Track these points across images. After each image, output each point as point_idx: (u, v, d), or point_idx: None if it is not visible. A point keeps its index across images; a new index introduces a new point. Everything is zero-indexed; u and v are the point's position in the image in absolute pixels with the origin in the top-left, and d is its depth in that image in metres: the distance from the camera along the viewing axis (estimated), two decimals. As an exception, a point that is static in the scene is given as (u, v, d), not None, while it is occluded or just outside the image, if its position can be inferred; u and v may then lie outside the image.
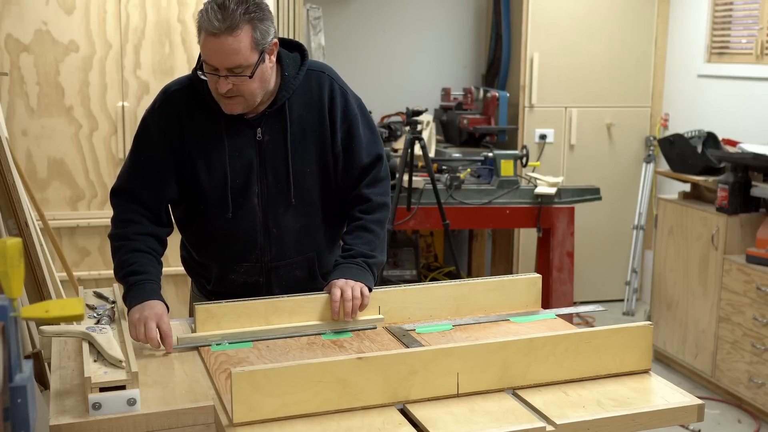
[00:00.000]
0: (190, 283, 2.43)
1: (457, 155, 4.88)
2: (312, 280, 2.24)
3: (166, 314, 1.93)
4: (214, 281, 2.22)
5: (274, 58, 2.05)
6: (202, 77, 2.01)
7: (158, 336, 1.86)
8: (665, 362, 4.63)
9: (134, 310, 1.92)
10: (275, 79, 2.09)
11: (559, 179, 4.56)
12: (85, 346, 1.71)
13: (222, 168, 2.08)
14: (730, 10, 4.82)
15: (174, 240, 2.26)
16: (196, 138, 2.08)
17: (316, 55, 4.76)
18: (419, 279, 5.19)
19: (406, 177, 4.21)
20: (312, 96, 2.13)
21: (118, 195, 2.13)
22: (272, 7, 4.23)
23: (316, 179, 2.15)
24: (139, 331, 1.86)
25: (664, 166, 4.90)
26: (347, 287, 2.03)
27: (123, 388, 1.55)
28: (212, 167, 2.09)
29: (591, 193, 4.58)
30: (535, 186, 4.50)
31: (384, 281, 4.80)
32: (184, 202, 2.16)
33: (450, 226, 4.22)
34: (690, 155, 4.43)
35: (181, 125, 2.09)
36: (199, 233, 2.20)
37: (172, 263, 4.14)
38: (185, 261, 2.33)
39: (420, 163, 4.43)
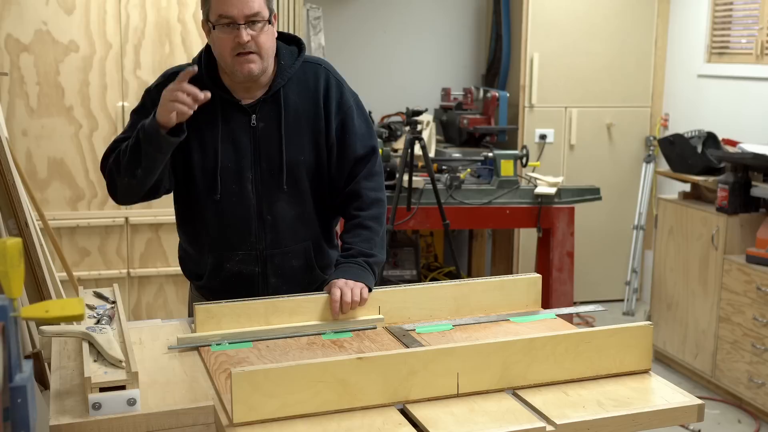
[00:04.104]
0: (189, 284, 2.44)
1: (457, 155, 4.88)
2: (309, 271, 2.24)
3: None
4: (208, 273, 2.21)
5: (275, 30, 2.11)
6: (220, 35, 2.03)
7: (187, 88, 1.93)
8: (665, 362, 4.63)
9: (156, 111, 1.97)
10: (273, 65, 2.12)
11: (559, 179, 4.56)
12: (85, 346, 1.71)
13: (214, 151, 2.11)
14: (730, 10, 4.82)
15: (176, 239, 2.27)
16: (191, 120, 2.07)
17: (316, 55, 4.76)
18: (419, 279, 5.19)
19: (406, 177, 4.21)
20: (308, 86, 2.16)
21: (107, 156, 2.14)
22: (272, 7, 4.24)
23: (309, 168, 2.17)
24: (175, 95, 1.92)
25: (664, 166, 4.90)
26: (347, 288, 2.03)
27: (123, 388, 1.55)
28: (205, 150, 2.12)
29: (591, 193, 4.58)
30: (535, 186, 4.50)
31: (384, 281, 4.80)
32: (179, 186, 2.18)
33: (450, 226, 4.22)
34: (690, 155, 4.43)
35: None
36: (195, 221, 2.20)
37: (172, 263, 4.14)
38: (182, 260, 2.33)
39: (420, 163, 4.43)
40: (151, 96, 2.16)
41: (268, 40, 2.06)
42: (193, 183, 2.14)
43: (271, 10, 2.07)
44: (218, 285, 2.21)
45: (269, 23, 2.06)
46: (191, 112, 1.96)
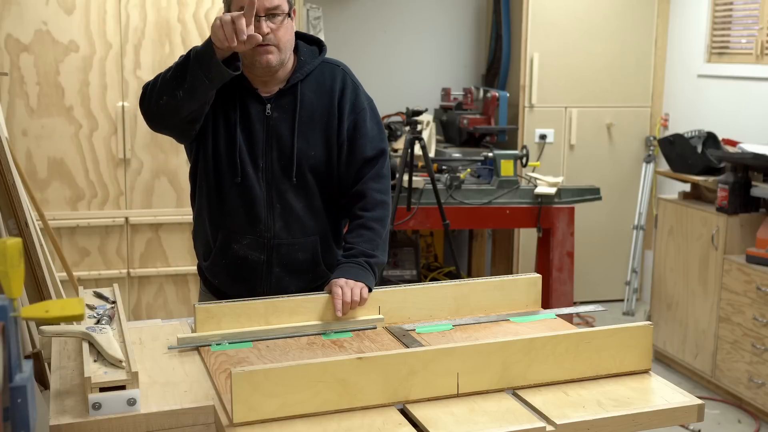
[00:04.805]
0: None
1: (457, 155, 4.88)
2: (314, 266, 2.26)
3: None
4: (216, 250, 2.24)
5: (294, 26, 2.16)
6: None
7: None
8: (665, 362, 4.63)
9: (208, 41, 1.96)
10: (292, 62, 2.18)
11: (559, 179, 4.56)
12: (85, 346, 1.71)
13: (233, 134, 2.16)
14: (730, 10, 4.82)
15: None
16: (217, 98, 2.14)
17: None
18: (419, 279, 5.19)
19: (406, 177, 4.21)
20: (324, 84, 2.21)
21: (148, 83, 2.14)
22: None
23: (319, 164, 2.20)
24: (227, 29, 1.89)
25: (664, 166, 4.90)
26: (347, 288, 2.04)
27: (123, 388, 1.55)
28: (227, 130, 2.17)
29: (591, 193, 4.58)
30: (535, 186, 4.50)
31: (384, 281, 4.80)
32: (206, 162, 2.20)
33: (450, 226, 4.22)
34: (690, 155, 4.43)
35: None
36: (216, 197, 2.22)
37: (172, 263, 4.15)
38: (195, 238, 2.36)
39: (420, 163, 4.43)
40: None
41: (286, 33, 2.11)
42: (219, 161, 2.18)
43: (290, 5, 2.12)
44: (223, 267, 2.25)
45: (289, 17, 2.11)
46: (230, 44, 1.93)
